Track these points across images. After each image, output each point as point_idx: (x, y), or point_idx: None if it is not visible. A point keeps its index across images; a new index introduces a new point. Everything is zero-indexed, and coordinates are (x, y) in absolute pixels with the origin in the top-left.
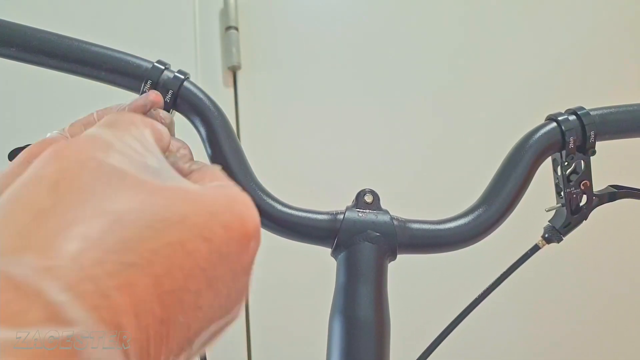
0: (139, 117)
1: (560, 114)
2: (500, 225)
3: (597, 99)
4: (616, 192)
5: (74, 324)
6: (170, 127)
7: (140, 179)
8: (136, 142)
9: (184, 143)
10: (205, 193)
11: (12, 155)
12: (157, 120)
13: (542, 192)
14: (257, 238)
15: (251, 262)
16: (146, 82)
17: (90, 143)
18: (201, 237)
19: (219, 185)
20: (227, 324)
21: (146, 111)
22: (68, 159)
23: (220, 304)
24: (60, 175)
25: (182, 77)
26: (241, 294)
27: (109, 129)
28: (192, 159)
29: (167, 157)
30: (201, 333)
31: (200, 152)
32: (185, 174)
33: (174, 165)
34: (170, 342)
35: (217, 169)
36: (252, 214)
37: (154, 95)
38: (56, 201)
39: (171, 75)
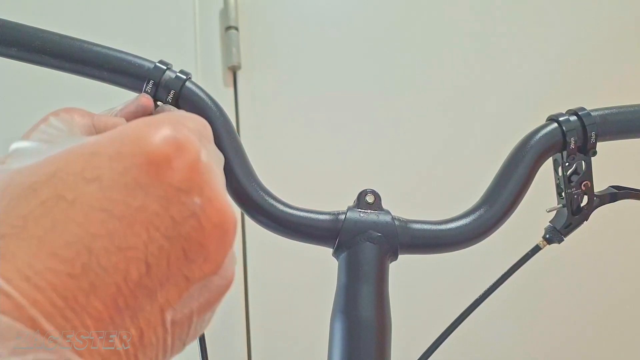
0: (52, 112)
1: (561, 115)
2: (501, 225)
3: (598, 100)
4: (617, 193)
5: None
6: None
7: (14, 167)
8: (37, 137)
9: None
10: (89, 139)
11: None
12: None
13: (543, 193)
14: (179, 153)
15: (188, 181)
16: (148, 82)
17: None
18: (83, 181)
19: (135, 121)
20: (208, 258)
21: (138, 116)
22: None
23: (166, 235)
24: None
25: (184, 77)
26: (204, 218)
27: (20, 141)
28: None
29: None
30: (158, 272)
31: None
32: None
33: None
34: (104, 290)
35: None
36: (156, 130)
37: (145, 100)
38: None
39: (173, 75)
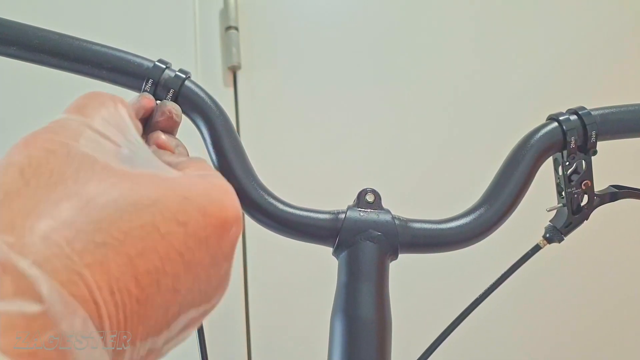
0: (108, 97)
1: (562, 114)
2: (501, 224)
3: (598, 99)
4: (617, 192)
5: (44, 299)
6: (178, 121)
7: (111, 165)
8: (107, 125)
9: (180, 143)
10: (181, 179)
11: None
12: (167, 114)
13: (543, 192)
14: (237, 224)
15: (232, 249)
16: (147, 81)
17: (59, 130)
18: (175, 221)
19: (201, 173)
20: (206, 311)
21: (139, 116)
22: (35, 145)
23: (199, 289)
24: (27, 161)
25: (184, 76)
26: (222, 280)
27: (78, 115)
28: (187, 155)
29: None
30: (180, 316)
31: (200, 152)
32: (171, 166)
33: (161, 158)
34: (148, 321)
35: (202, 160)
36: (232, 200)
37: (147, 101)
38: (24, 184)
39: (172, 74)
